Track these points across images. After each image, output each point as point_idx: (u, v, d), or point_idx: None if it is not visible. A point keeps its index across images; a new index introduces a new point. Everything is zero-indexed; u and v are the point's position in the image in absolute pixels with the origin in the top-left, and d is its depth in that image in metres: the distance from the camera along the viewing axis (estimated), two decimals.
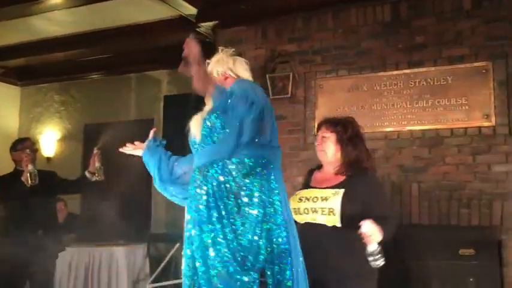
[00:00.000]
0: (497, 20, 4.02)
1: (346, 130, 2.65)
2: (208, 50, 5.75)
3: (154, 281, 5.01)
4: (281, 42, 4.70)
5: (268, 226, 2.05)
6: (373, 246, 2.37)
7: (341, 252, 2.47)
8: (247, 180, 2.04)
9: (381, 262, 2.38)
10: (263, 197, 2.04)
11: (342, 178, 2.61)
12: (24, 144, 4.03)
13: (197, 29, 5.12)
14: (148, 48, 6.03)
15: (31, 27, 5.54)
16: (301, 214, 2.57)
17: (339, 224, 2.48)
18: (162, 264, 4.98)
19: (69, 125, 7.04)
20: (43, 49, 6.04)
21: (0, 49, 6.11)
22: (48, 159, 6.88)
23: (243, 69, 2.35)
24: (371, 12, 4.45)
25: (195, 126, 2.22)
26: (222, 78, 2.31)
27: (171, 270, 5.30)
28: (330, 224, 2.49)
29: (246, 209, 2.01)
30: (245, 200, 2.02)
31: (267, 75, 4.63)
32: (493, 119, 3.95)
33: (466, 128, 4.04)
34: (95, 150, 3.80)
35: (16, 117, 7.38)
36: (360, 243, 2.38)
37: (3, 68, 6.76)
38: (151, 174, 2.42)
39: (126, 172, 6.10)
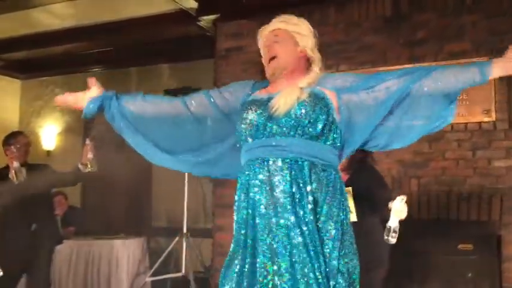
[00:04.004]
0: (498, 15, 4.01)
1: None
2: (208, 44, 5.71)
3: (153, 274, 5.03)
4: None
5: None
6: (394, 222, 2.60)
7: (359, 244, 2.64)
8: None
9: (394, 240, 2.62)
10: None
11: (346, 176, 2.81)
12: (16, 139, 3.94)
13: (198, 23, 5.12)
14: (149, 41, 6.03)
15: (32, 20, 5.54)
16: None
17: (355, 219, 2.71)
18: (162, 258, 5.00)
19: (69, 118, 7.04)
20: (44, 42, 6.03)
21: (1, 42, 6.11)
22: (49, 152, 6.89)
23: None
24: (372, 6, 4.44)
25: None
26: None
27: (171, 263, 5.32)
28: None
29: None
30: None
31: None
32: (493, 114, 3.95)
33: (466, 123, 4.04)
34: (87, 141, 3.79)
35: (16, 111, 7.38)
36: (371, 235, 2.73)
37: (4, 60, 6.75)
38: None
39: (127, 165, 6.13)
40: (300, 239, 1.67)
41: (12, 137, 3.94)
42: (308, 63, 1.94)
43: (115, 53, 6.38)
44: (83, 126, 6.83)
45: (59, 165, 4.29)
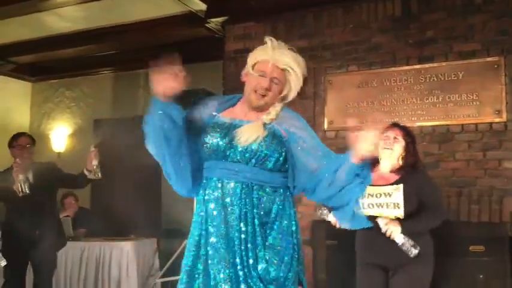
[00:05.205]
0: (508, 15, 3.98)
1: (412, 140, 3.07)
2: (217, 46, 5.70)
3: (163, 276, 5.04)
4: (291, 37, 4.67)
5: None
6: (399, 239, 2.73)
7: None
8: None
9: (413, 251, 2.73)
10: None
11: (397, 176, 2.99)
12: (18, 141, 3.99)
13: (206, 25, 5.13)
14: (158, 44, 6.05)
15: (42, 23, 5.58)
16: (364, 209, 2.87)
17: (402, 216, 2.86)
18: (172, 259, 5.01)
19: (79, 120, 7.09)
20: (54, 45, 6.07)
21: (12, 45, 6.16)
22: (59, 154, 6.94)
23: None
24: (381, 7, 4.43)
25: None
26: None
27: (181, 265, 5.32)
28: (393, 217, 2.87)
29: None
30: None
31: None
32: (504, 114, 3.92)
33: (476, 124, 4.01)
34: (92, 148, 3.80)
35: (27, 113, 7.45)
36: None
37: (15, 63, 6.81)
38: None
39: (137, 166, 6.15)
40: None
41: (14, 139, 3.99)
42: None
43: (124, 56, 6.41)
44: (92, 128, 6.88)
45: (69, 167, 4.32)
